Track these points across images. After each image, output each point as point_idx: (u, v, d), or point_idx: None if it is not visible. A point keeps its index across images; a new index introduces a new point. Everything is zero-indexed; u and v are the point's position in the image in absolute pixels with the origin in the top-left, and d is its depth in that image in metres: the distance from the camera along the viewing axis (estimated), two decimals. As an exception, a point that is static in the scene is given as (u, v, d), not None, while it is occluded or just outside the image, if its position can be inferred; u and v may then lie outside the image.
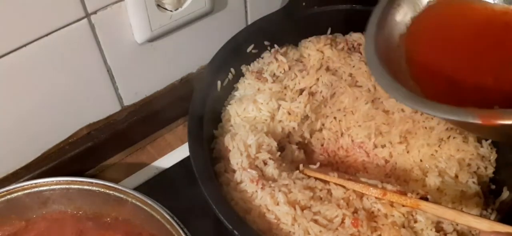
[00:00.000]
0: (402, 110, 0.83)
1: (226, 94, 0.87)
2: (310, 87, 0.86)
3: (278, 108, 0.82)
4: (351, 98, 0.84)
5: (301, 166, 0.79)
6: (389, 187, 0.73)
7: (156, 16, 0.81)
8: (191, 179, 0.73)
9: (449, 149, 0.78)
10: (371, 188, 0.72)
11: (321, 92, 0.86)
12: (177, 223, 0.70)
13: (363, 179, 0.75)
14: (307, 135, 0.85)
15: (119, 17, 0.79)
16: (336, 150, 0.85)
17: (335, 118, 0.85)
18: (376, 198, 0.72)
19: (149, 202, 0.73)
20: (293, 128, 0.83)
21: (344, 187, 0.74)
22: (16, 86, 0.76)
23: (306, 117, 0.84)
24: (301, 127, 0.84)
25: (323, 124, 0.86)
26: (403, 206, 0.71)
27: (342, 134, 0.85)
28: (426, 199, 0.69)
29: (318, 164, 0.80)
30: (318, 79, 0.86)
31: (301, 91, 0.85)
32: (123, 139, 0.93)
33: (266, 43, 0.91)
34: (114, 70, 0.85)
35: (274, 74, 0.88)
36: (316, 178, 0.76)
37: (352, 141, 0.84)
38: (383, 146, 0.83)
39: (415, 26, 0.66)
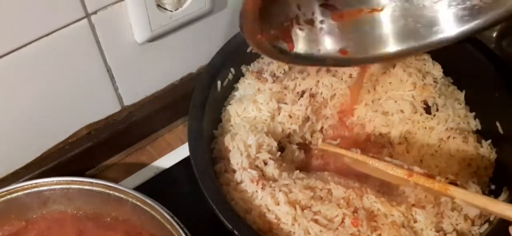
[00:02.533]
0: (402, 111, 0.83)
1: (226, 94, 0.87)
2: (311, 89, 0.86)
3: (278, 108, 0.83)
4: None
5: (319, 141, 0.77)
6: (416, 169, 0.70)
7: (156, 16, 0.81)
8: (191, 179, 0.73)
9: (449, 149, 0.78)
10: (396, 168, 0.69)
11: (321, 93, 0.86)
12: (177, 223, 0.70)
13: (387, 159, 0.73)
14: (308, 136, 0.85)
15: (119, 17, 0.79)
16: (337, 150, 0.85)
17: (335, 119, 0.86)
18: (401, 179, 0.69)
19: (149, 202, 0.72)
20: (294, 130, 0.83)
21: (364, 164, 0.71)
22: (16, 86, 0.76)
23: (307, 118, 0.84)
24: (302, 129, 0.84)
25: (323, 126, 0.86)
26: (430, 189, 0.67)
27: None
28: (455, 185, 0.66)
29: (338, 140, 0.78)
30: (318, 81, 0.86)
31: (302, 93, 0.85)
32: (123, 139, 0.93)
33: (266, 43, 0.91)
34: (114, 70, 0.85)
35: (274, 74, 0.88)
36: (326, 162, 0.74)
37: (353, 142, 0.85)
38: (384, 146, 0.83)
39: None
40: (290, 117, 0.83)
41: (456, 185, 0.66)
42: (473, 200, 0.62)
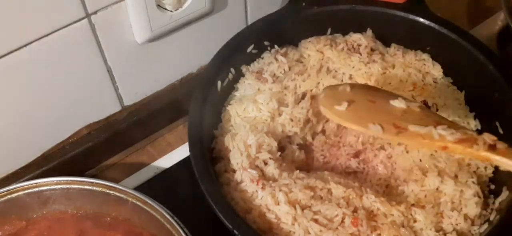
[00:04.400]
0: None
1: (226, 94, 0.87)
2: (311, 90, 0.86)
3: (278, 108, 0.82)
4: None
5: (322, 108, 0.72)
6: (448, 138, 0.63)
7: (156, 16, 0.81)
8: (191, 179, 0.73)
9: (449, 149, 0.78)
10: (427, 141, 0.63)
11: (322, 95, 0.86)
12: (177, 223, 0.70)
13: (412, 128, 0.66)
14: (309, 137, 0.85)
15: (119, 17, 0.79)
16: (337, 151, 0.85)
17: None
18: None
19: (149, 202, 0.73)
20: (295, 132, 0.83)
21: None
22: (16, 86, 0.76)
23: (308, 120, 0.84)
24: (303, 131, 0.84)
25: (324, 127, 0.86)
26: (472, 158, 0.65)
27: (342, 136, 0.85)
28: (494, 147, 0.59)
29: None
30: (319, 82, 0.86)
31: (303, 95, 0.85)
32: (123, 139, 0.93)
33: (266, 43, 0.91)
34: (114, 70, 0.85)
35: (274, 74, 0.88)
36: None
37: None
38: (383, 147, 0.83)
39: None
40: (291, 120, 0.82)
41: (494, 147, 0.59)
42: None
